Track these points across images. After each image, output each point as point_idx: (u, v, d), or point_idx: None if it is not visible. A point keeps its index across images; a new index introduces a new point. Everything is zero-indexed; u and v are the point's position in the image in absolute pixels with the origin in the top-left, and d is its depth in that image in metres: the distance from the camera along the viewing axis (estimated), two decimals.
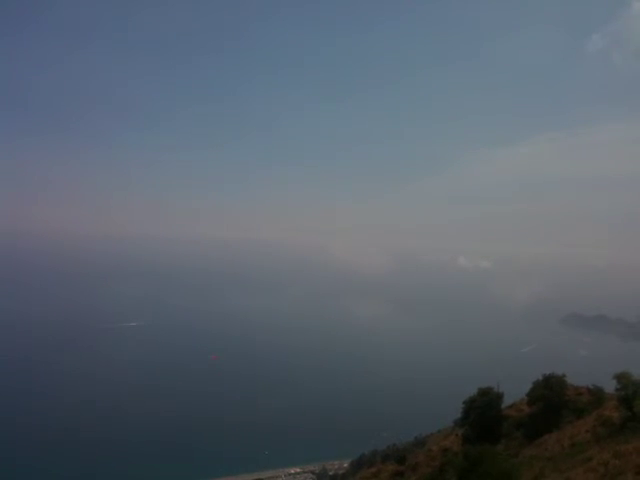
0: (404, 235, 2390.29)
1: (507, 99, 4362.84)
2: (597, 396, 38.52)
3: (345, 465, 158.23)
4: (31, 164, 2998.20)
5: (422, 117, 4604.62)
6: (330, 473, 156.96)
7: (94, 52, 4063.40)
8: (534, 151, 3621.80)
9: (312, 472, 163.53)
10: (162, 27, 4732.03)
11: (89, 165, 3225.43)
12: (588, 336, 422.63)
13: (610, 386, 35.29)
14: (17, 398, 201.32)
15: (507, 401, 44.30)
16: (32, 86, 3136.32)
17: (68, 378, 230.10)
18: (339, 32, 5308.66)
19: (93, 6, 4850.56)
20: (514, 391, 48.43)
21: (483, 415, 41.49)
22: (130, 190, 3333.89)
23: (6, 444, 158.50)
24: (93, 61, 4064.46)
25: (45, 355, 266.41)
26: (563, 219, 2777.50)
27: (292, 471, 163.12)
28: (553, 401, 39.30)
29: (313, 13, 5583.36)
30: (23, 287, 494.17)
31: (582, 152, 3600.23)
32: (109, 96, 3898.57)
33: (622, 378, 32.07)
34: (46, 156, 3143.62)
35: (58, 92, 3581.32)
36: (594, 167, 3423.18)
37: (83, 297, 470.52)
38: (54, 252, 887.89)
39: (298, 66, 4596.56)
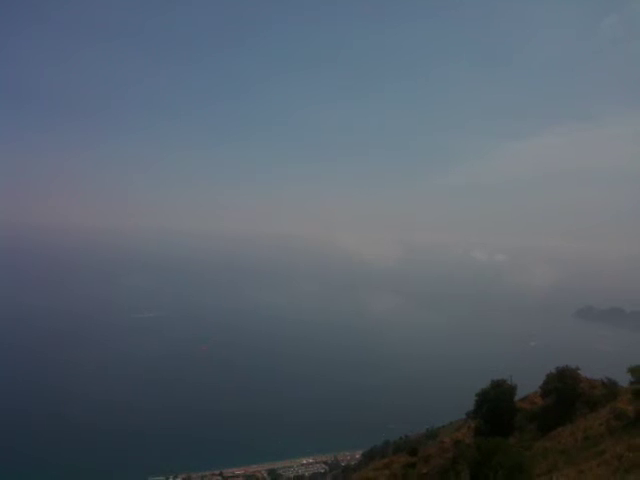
0: (420, 229, 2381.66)
1: (527, 92, 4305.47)
2: (611, 389, 38.17)
3: (357, 456, 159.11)
4: (53, 160, 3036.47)
5: (438, 112, 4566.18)
6: (342, 464, 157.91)
7: (107, 48, 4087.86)
8: (551, 143, 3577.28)
9: (325, 463, 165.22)
10: (178, 24, 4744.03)
11: (114, 160, 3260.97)
12: (602, 329, 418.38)
13: (624, 379, 35.08)
14: (49, 391, 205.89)
15: (520, 394, 44.15)
16: (42, 82, 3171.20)
17: (91, 368, 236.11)
18: (357, 29, 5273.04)
19: (109, 3, 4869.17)
20: (527, 383, 48.30)
21: (496, 407, 41.29)
22: (146, 184, 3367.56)
23: (39, 435, 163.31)
24: (106, 57, 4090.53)
25: (69, 349, 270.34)
26: (579, 212, 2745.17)
27: (305, 461, 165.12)
28: (567, 394, 39.00)
29: (334, 8, 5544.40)
30: (42, 281, 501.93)
31: (600, 144, 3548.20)
32: (130, 91, 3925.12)
33: (636, 371, 31.85)
34: (67, 151, 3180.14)
35: (71, 87, 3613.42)
36: (612, 159, 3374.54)
37: (102, 290, 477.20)
38: (69, 246, 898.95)
39: (316, 63, 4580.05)
